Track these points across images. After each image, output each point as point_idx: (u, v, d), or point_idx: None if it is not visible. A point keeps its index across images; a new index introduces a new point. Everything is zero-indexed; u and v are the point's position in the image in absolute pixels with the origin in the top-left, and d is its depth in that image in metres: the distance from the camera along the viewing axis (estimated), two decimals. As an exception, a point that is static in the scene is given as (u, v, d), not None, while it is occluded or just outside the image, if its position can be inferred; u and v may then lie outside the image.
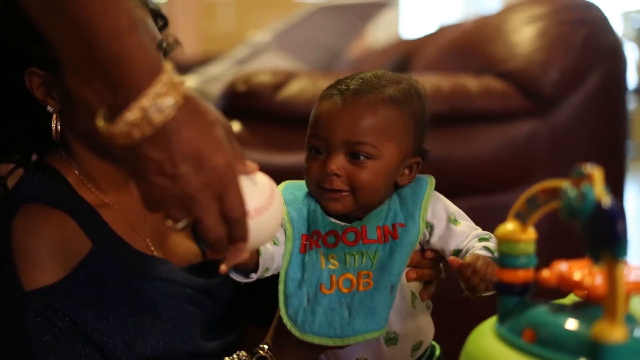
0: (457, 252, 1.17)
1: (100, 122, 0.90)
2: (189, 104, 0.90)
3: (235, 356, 1.25)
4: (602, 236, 0.73)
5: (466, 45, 2.43)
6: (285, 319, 1.17)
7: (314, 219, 1.21)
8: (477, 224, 1.97)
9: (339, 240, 1.18)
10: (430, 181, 1.23)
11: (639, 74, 6.45)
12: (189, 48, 1.37)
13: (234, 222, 0.95)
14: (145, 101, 0.87)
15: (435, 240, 1.20)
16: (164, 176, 0.90)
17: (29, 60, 1.26)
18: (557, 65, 2.05)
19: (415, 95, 1.22)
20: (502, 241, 0.86)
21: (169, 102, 0.88)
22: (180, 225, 0.96)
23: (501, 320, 0.86)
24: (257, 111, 1.98)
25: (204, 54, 4.71)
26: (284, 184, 1.27)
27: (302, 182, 1.25)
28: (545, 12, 2.18)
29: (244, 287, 1.36)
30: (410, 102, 1.20)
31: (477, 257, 1.09)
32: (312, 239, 1.19)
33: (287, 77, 2.02)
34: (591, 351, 0.72)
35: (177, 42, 1.49)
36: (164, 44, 1.34)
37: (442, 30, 2.99)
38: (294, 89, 1.97)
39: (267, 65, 3.18)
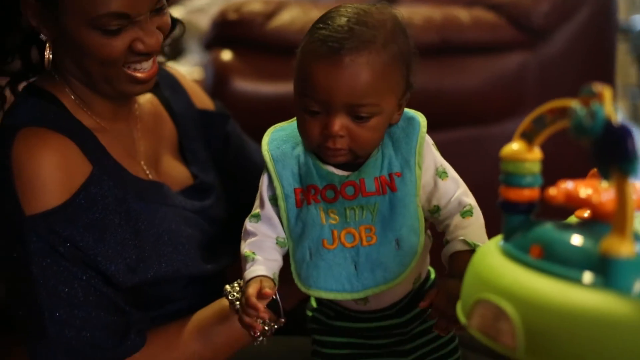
0: (436, 210, 1.17)
1: None
2: None
3: (236, 284, 1.26)
4: (612, 153, 0.74)
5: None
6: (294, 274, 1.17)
7: (308, 173, 1.18)
8: (466, 154, 2.01)
9: (338, 194, 1.16)
10: (422, 122, 1.19)
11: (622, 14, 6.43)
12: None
13: None
14: None
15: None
16: None
17: None
18: (548, -3, 2.05)
19: (401, 33, 1.15)
20: (507, 160, 0.87)
21: None
22: None
23: (506, 238, 0.87)
24: (249, 40, 1.97)
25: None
26: (269, 132, 1.24)
27: (289, 127, 1.22)
28: (536, -57, 2.16)
29: (239, 209, 1.36)
30: (399, 43, 1.14)
31: (440, 293, 1.07)
32: (309, 193, 1.17)
33: (279, 6, 2.00)
34: (600, 266, 0.74)
35: None
36: None
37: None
38: (286, 17, 1.96)
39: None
